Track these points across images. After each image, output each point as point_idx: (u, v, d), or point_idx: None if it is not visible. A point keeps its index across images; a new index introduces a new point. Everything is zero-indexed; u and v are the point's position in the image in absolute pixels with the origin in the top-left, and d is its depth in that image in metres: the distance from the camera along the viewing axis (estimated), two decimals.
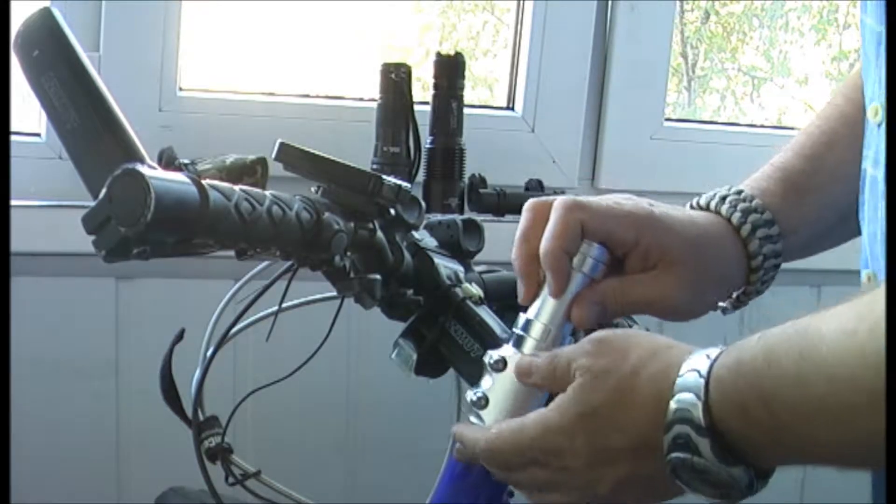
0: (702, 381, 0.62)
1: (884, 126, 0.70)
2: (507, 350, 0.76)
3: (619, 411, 0.66)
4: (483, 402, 0.76)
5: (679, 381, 0.64)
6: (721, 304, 0.85)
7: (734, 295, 0.85)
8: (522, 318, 0.76)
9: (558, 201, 0.76)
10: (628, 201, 0.78)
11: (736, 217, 0.82)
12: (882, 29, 0.68)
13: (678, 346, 0.68)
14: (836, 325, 0.56)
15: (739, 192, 0.84)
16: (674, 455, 0.64)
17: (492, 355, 0.76)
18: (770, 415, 0.60)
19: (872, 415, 0.54)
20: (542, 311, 0.75)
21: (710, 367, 0.63)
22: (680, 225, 0.79)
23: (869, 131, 0.74)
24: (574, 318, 0.75)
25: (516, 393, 0.75)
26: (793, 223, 0.84)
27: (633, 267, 0.77)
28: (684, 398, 0.63)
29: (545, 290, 0.76)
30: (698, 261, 0.79)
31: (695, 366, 0.64)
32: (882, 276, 0.72)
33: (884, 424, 0.54)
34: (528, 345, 0.75)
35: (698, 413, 0.62)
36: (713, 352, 0.64)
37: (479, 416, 0.76)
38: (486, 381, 0.76)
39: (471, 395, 0.77)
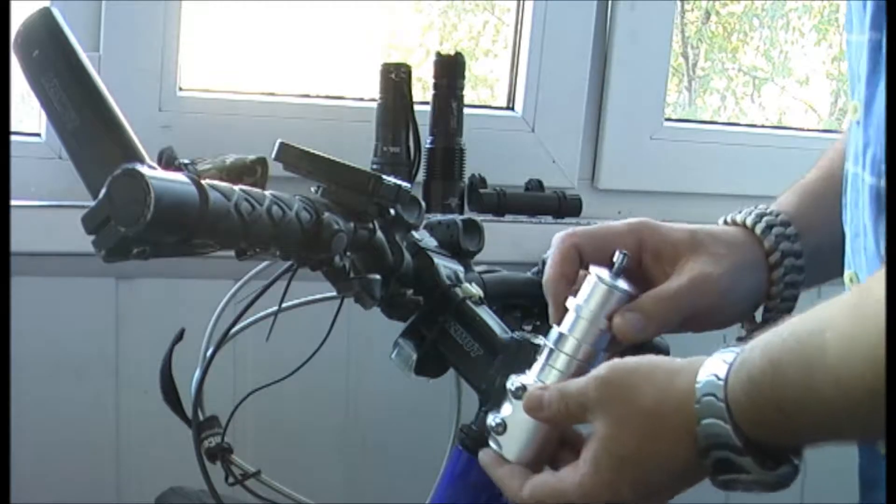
0: (722, 405, 0.64)
1: (862, 124, 0.71)
2: (528, 377, 0.75)
3: (653, 451, 0.67)
4: (501, 428, 0.75)
5: (699, 407, 0.65)
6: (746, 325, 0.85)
7: (761, 308, 0.84)
8: (556, 331, 0.75)
9: (555, 236, 0.81)
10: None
11: (750, 219, 0.84)
12: (864, 39, 0.69)
13: (682, 368, 0.68)
14: (837, 333, 0.59)
15: (754, 207, 0.86)
16: (722, 477, 0.66)
17: (514, 381, 0.75)
18: (786, 417, 0.62)
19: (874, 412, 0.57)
20: (575, 327, 0.75)
21: (725, 388, 0.64)
22: (677, 226, 0.82)
23: (850, 130, 0.75)
24: (615, 328, 0.75)
25: (535, 423, 0.74)
26: (810, 223, 0.84)
27: (657, 276, 0.79)
28: (711, 424, 0.64)
29: (578, 305, 0.75)
30: (711, 247, 0.80)
31: (709, 389, 0.65)
32: (863, 277, 0.73)
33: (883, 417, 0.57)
34: (561, 360, 0.74)
35: (732, 438, 0.64)
36: (719, 368, 0.65)
37: (497, 443, 0.75)
38: (507, 408, 0.76)
39: (490, 419, 0.76)
